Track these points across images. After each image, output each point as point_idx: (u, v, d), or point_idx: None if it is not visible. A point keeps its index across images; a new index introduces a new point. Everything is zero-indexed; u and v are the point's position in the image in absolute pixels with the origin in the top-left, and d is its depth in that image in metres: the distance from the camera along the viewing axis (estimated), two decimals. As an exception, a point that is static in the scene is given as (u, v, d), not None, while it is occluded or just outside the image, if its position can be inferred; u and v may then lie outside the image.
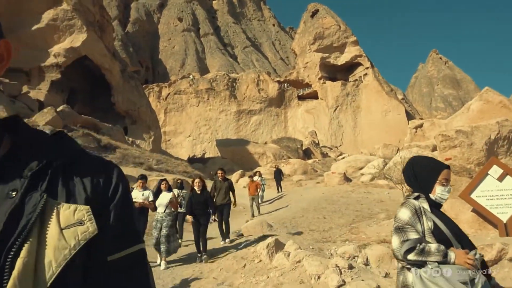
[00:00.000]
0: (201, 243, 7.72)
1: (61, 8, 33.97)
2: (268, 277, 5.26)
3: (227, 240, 9.67)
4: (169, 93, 57.64)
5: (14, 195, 0.64)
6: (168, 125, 54.51)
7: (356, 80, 57.86)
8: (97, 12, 38.43)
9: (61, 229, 0.65)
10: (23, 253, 0.60)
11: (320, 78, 58.56)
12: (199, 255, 7.71)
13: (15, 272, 0.59)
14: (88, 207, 0.69)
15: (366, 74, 57.11)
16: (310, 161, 36.67)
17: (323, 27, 59.68)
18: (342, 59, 59.00)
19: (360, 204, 14.28)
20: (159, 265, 7.40)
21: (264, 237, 9.09)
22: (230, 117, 56.26)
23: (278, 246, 6.26)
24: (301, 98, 59.73)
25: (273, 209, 15.96)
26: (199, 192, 8.10)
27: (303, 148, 42.97)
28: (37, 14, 33.70)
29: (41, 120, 20.70)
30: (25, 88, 30.20)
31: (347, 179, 21.99)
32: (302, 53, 61.95)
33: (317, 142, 46.75)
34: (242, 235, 10.82)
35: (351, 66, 59.43)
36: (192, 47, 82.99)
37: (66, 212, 0.67)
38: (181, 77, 65.01)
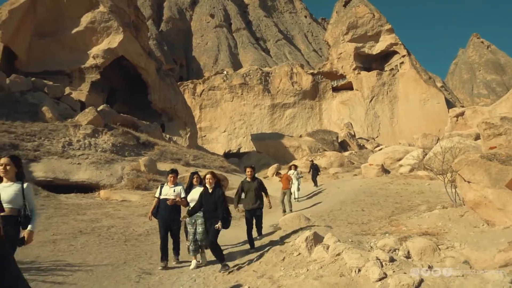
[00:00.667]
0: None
1: (98, 10, 35.08)
2: (307, 270, 5.27)
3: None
4: (203, 90, 58.40)
5: None
6: (203, 121, 55.29)
7: (392, 69, 56.36)
8: (132, 13, 39.41)
9: None
10: None
11: (354, 69, 57.48)
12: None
13: None
14: None
15: (402, 63, 55.50)
16: (346, 153, 36.18)
17: (357, 16, 58.43)
18: (377, 48, 57.61)
19: (399, 196, 13.97)
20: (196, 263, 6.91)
21: (302, 230, 9.10)
22: (264, 111, 56.32)
23: (317, 239, 6.25)
24: (335, 89, 58.89)
25: (310, 203, 15.89)
26: (210, 191, 6.68)
27: (339, 140, 42.44)
28: (76, 18, 34.99)
29: (83, 120, 21.53)
30: (67, 90, 31.50)
31: (385, 170, 21.54)
32: (336, 43, 60.98)
33: (353, 133, 46.03)
34: (279, 228, 10.87)
35: (387, 55, 57.93)
36: (224, 42, 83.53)
37: None
38: (214, 73, 65.65)
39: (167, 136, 33.63)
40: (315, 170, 21.46)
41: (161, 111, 38.13)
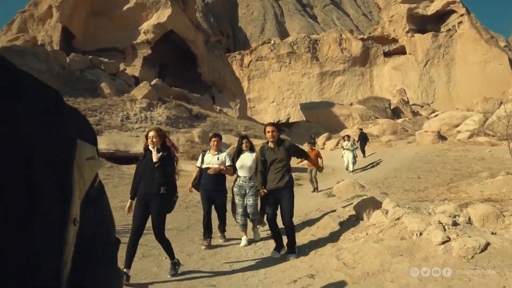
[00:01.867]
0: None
1: (147, -14, 35.62)
2: (367, 233, 5.36)
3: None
4: (251, 60, 58.30)
5: (43, 127, 0.65)
6: (252, 92, 55.48)
7: (449, 29, 52.97)
8: (179, -14, 39.61)
9: (86, 159, 0.75)
10: (75, 171, 0.70)
11: (407, 31, 54.68)
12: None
13: None
14: (95, 147, 0.78)
15: (461, 22, 51.95)
16: (399, 120, 35.10)
17: (410, -26, 55.06)
18: (432, 8, 54.19)
19: (458, 163, 13.50)
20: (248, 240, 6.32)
21: (357, 197, 9.14)
22: (313, 80, 55.45)
23: (375, 204, 6.29)
24: (387, 54, 56.53)
25: (364, 170, 15.78)
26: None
27: (392, 107, 41.14)
28: (126, -6, 35.77)
29: (139, 94, 22.41)
30: (121, 66, 32.72)
31: (441, 137, 20.74)
32: (387, 6, 58.08)
33: (406, 100, 44.37)
34: (333, 195, 10.97)
35: (443, 15, 54.38)
36: (270, 11, 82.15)
37: (86, 148, 0.74)
38: (261, 43, 65.12)
39: (218, 107, 34.23)
40: (363, 139, 20.77)
41: (211, 83, 38.70)
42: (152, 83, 26.09)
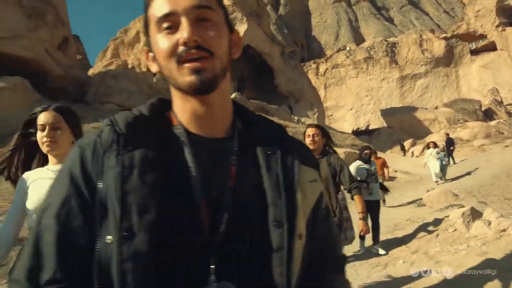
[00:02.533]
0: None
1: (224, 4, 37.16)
2: (468, 246, 5.05)
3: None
4: (326, 68, 57.79)
5: (272, 153, 0.88)
6: (329, 100, 54.84)
7: (548, 20, 47.94)
8: (254, 2, 40.77)
9: (309, 182, 0.90)
10: (299, 192, 0.85)
11: (497, 26, 50.43)
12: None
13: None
14: (317, 171, 0.95)
15: (561, 11, 46.80)
16: (493, 122, 32.33)
17: (497, -36, 50.91)
18: (526, -2, 49.51)
19: None
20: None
21: (451, 207, 8.61)
22: (392, 84, 53.33)
23: (475, 214, 5.90)
24: (474, 52, 52.56)
25: (456, 178, 14.79)
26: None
27: (483, 108, 38.12)
28: (205, 14, 37.65)
29: (220, 108, 23.33)
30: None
31: (545, 139, 18.78)
32: (472, 0, 54.21)
33: (500, 100, 40.81)
34: (423, 205, 10.45)
35: (539, 5, 49.40)
36: (344, 17, 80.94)
37: (308, 172, 0.91)
38: (336, 50, 64.29)
39: (295, 118, 34.37)
40: (450, 145, 19.14)
41: (288, 93, 39.03)
42: (232, 97, 26.90)
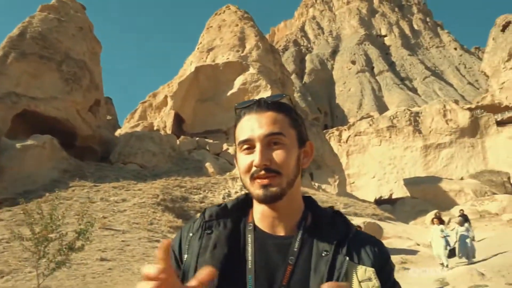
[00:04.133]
0: None
1: (249, 72, 38.85)
2: (487, 335, 4.63)
3: None
4: (349, 136, 58.05)
5: (326, 254, 0.97)
6: (351, 167, 54.41)
7: None
8: (278, 70, 42.42)
9: (359, 282, 0.94)
10: None
11: (523, 98, 50.23)
12: None
13: None
14: (373, 269, 0.96)
15: None
16: (523, 196, 31.07)
17: (520, 39, 51.84)
18: (550, 71, 49.62)
19: None
20: None
21: (475, 288, 8.08)
22: (416, 153, 52.73)
23: (496, 299, 5.47)
24: (500, 123, 51.97)
25: (483, 255, 13.95)
26: None
27: (511, 181, 36.85)
28: (230, 81, 39.35)
29: (240, 172, 23.41)
30: (224, 146, 34.92)
31: None
32: (496, 73, 54.68)
33: (529, 173, 39.51)
34: (447, 284, 9.83)
35: None
36: (367, 87, 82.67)
37: (360, 270, 0.95)
38: (359, 118, 64.94)
39: (316, 184, 34.04)
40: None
41: (309, 160, 39.03)
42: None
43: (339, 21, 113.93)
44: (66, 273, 8.75)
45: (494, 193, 32.53)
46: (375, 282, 0.95)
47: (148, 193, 18.69)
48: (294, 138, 1.02)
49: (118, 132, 37.15)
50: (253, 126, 0.99)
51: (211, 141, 33.69)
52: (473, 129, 52.15)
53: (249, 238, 1.02)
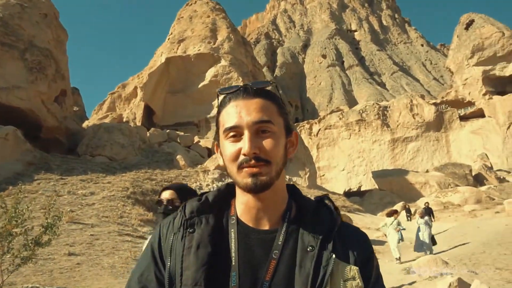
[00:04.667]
0: None
1: (220, 65, 38.54)
2: (454, 321, 4.80)
3: None
4: (319, 129, 58.76)
5: (311, 250, 0.94)
6: (321, 160, 55.17)
7: (533, 90, 49.80)
8: (249, 63, 42.28)
9: (344, 281, 0.91)
10: None
11: (484, 94, 52.27)
12: None
13: None
14: (357, 268, 0.94)
15: (545, 82, 48.77)
16: (483, 188, 32.41)
17: (482, 37, 53.76)
18: (510, 69, 51.77)
19: (559, 237, 11.96)
20: None
21: (441, 276, 8.37)
22: (384, 146, 54.07)
23: (462, 286, 5.68)
24: (463, 118, 54.01)
25: (446, 245, 14.49)
26: None
27: (473, 173, 38.40)
28: (201, 73, 38.92)
29: (211, 165, 23.29)
30: (196, 138, 34.62)
31: (536, 207, 18.72)
32: (459, 69, 56.61)
33: (489, 165, 41.26)
34: (413, 272, 10.13)
35: (524, 75, 51.56)
36: (338, 81, 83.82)
37: (345, 269, 0.93)
38: (330, 112, 65.84)
39: (287, 177, 34.27)
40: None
41: (280, 152, 39.21)
42: (224, 154, 27.05)
43: (310, 15, 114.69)
44: (33, 268, 8.46)
45: (457, 185, 33.79)
46: (359, 281, 0.93)
47: (117, 186, 18.28)
48: (282, 126, 0.99)
49: (85, 124, 36.08)
50: (240, 112, 0.95)
51: (182, 133, 33.28)
52: (438, 124, 53.95)
53: (232, 233, 0.99)
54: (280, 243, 0.97)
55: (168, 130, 32.92)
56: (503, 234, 13.68)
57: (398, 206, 27.54)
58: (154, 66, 41.45)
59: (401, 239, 12.92)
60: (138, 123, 36.97)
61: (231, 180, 1.02)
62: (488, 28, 54.11)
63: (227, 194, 1.07)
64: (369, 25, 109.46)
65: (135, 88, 41.85)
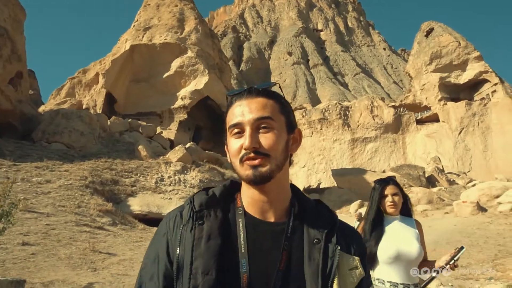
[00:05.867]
0: None
1: (187, 55, 38.01)
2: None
3: None
4: (282, 125, 59.36)
5: (317, 242, 1.02)
6: (283, 156, 55.74)
7: (483, 98, 52.66)
8: (216, 56, 42.00)
9: (349, 270, 1.01)
10: (335, 281, 0.98)
11: (440, 100, 54.74)
12: None
13: None
14: (359, 258, 1.04)
15: (495, 91, 51.68)
16: (435, 189, 34.03)
17: (440, 45, 56.19)
18: (464, 77, 54.51)
19: (502, 238, 12.80)
20: None
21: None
22: (344, 146, 55.48)
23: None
24: (420, 122, 56.36)
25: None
26: None
27: (426, 175, 40.17)
28: (167, 63, 38.22)
29: (174, 157, 22.99)
30: (158, 129, 34.03)
31: (481, 208, 19.91)
32: (418, 74, 58.92)
33: (441, 168, 43.33)
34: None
35: (476, 84, 54.46)
36: (302, 79, 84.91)
37: (349, 259, 1.02)
38: (293, 109, 66.55)
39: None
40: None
41: (243, 147, 39.34)
42: (187, 146, 26.78)
43: (278, 11, 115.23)
44: (-17, 258, 8.08)
45: (411, 186, 35.26)
46: (361, 270, 1.03)
47: (75, 174, 17.68)
48: (283, 123, 1.06)
49: (42, 109, 34.57)
50: (243, 111, 1.02)
51: (144, 123, 32.61)
52: (396, 126, 55.97)
53: (240, 223, 1.04)
54: (289, 235, 1.04)
55: (130, 120, 32.15)
56: (451, 234, 14.46)
57: (355, 204, 28.41)
58: (117, 53, 40.27)
59: None
60: (99, 111, 35.83)
61: (233, 177, 1.07)
62: (446, 37, 56.58)
63: (231, 189, 1.13)
64: (335, 25, 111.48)
65: (97, 74, 40.52)
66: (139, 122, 32.35)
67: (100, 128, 27.33)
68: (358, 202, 29.21)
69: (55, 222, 11.90)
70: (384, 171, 42.59)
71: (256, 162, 0.97)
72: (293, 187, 1.15)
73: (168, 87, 37.54)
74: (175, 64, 38.32)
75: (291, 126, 1.09)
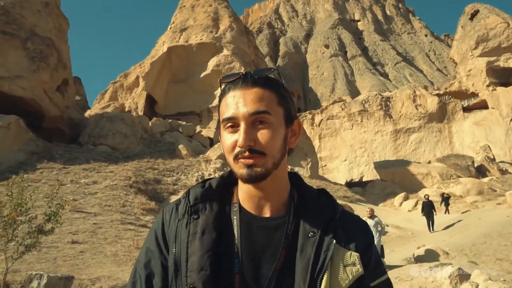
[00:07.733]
0: None
1: (223, 54, 38.38)
2: (454, 310, 4.84)
3: None
4: (322, 119, 58.64)
5: (312, 235, 0.96)
6: (323, 150, 55.15)
7: (537, 81, 49.44)
8: (252, 53, 42.09)
9: (344, 266, 0.94)
10: (325, 277, 0.91)
11: (488, 85, 51.91)
12: None
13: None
14: (358, 254, 0.96)
15: (549, 74, 48.39)
16: (485, 179, 32.38)
17: (487, 28, 53.27)
18: (514, 60, 51.37)
19: (560, 229, 11.98)
20: None
21: (441, 266, 8.39)
22: (386, 137, 53.94)
23: (462, 276, 5.71)
24: (466, 109, 53.74)
25: (447, 235, 14.53)
26: None
27: (475, 165, 38.35)
28: (204, 63, 38.79)
29: (213, 155, 23.33)
30: (197, 128, 34.63)
31: (537, 198, 18.72)
32: (463, 60, 56.21)
33: (492, 157, 41.17)
34: (413, 262, 10.19)
35: (528, 67, 51.16)
36: (340, 71, 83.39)
37: (346, 255, 0.95)
38: (332, 102, 65.61)
39: (289, 167, 34.26)
40: (430, 208, 16.38)
41: (282, 143, 39.20)
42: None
43: (313, 4, 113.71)
44: (36, 256, 8.54)
45: (459, 176, 33.76)
46: (359, 267, 0.95)
47: (120, 175, 18.36)
48: (281, 116, 0.98)
49: (87, 113, 36.11)
50: (237, 103, 0.95)
51: (184, 123, 33.29)
52: (440, 115, 53.70)
53: (235, 220, 1.01)
54: (289, 232, 0.99)
55: (170, 120, 32.93)
56: (503, 226, 13.72)
57: (399, 197, 27.59)
58: (156, 55, 41.32)
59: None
60: (140, 113, 36.97)
61: None
62: (493, 19, 53.57)
63: (230, 181, 1.09)
64: (373, 15, 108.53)
65: (137, 77, 41.79)
66: (179, 122, 33.09)
67: (142, 130, 28.18)
68: (402, 194, 28.35)
69: (101, 221, 12.41)
70: (429, 162, 41.11)
71: (251, 161, 0.92)
72: (293, 176, 1.09)
73: (206, 86, 38.08)
74: (212, 63, 38.81)
75: (290, 118, 1.01)
